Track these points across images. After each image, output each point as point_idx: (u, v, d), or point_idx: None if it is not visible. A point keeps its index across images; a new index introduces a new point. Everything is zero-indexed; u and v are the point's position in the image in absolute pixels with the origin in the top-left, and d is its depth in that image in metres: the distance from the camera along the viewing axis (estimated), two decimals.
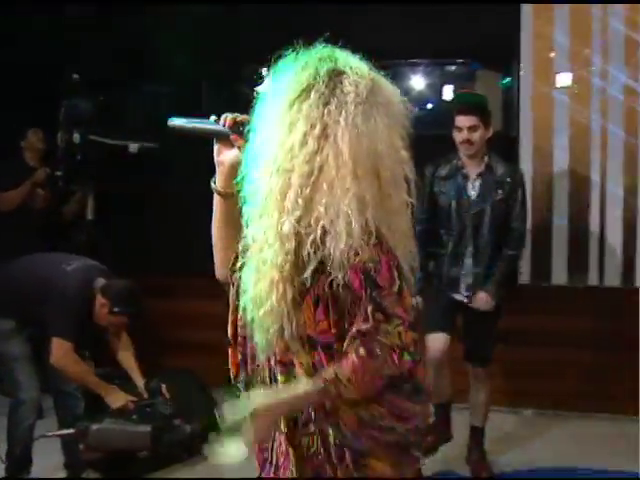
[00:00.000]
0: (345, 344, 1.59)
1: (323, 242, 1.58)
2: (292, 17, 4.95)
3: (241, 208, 1.68)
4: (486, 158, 3.87)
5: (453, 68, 5.41)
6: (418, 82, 5.46)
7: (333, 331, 1.61)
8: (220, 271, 1.84)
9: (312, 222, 1.59)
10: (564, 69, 4.90)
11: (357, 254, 1.57)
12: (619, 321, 4.73)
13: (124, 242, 5.35)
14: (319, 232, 1.58)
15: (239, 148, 1.74)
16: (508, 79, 5.22)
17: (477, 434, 4.08)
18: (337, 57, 1.67)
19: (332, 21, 5.10)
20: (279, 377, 1.68)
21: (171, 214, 5.45)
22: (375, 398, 1.64)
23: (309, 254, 1.59)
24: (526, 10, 4.91)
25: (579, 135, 4.88)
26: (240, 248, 1.72)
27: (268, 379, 1.71)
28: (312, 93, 1.62)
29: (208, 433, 4.07)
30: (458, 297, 3.93)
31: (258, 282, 1.63)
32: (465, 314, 3.96)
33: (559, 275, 4.95)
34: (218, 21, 5.34)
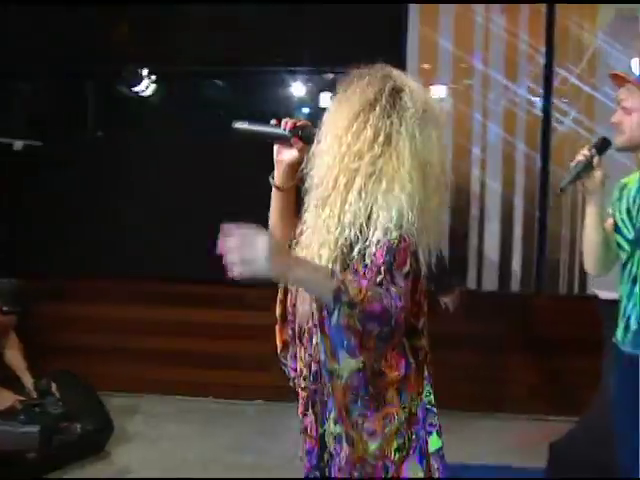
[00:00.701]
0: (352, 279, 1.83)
1: (368, 227, 1.88)
2: (177, 19, 5.04)
3: (296, 202, 2.05)
4: None
5: (332, 75, 5.58)
6: (299, 89, 5.64)
7: None
8: None
9: (365, 211, 1.89)
10: (447, 73, 5.14)
11: (386, 234, 1.86)
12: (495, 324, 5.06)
13: (12, 242, 5.27)
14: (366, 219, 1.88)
15: (297, 149, 2.07)
16: None
17: None
18: (396, 76, 1.99)
19: (214, 25, 5.36)
20: (315, 337, 1.95)
21: (59, 215, 5.40)
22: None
23: (358, 238, 1.89)
24: (412, 15, 5.13)
25: (461, 131, 5.13)
26: (297, 231, 2.02)
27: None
28: (377, 106, 1.92)
29: (99, 433, 4.13)
30: None
31: (315, 260, 1.92)
32: None
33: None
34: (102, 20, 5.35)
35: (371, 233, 1.87)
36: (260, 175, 5.54)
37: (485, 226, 5.19)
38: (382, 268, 1.83)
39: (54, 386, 4.00)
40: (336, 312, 1.77)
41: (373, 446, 1.93)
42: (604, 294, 4.15)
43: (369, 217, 1.88)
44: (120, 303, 5.41)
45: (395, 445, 1.94)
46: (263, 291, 5.35)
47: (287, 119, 2.09)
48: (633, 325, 2.65)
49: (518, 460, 4.35)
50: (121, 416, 4.53)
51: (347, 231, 1.89)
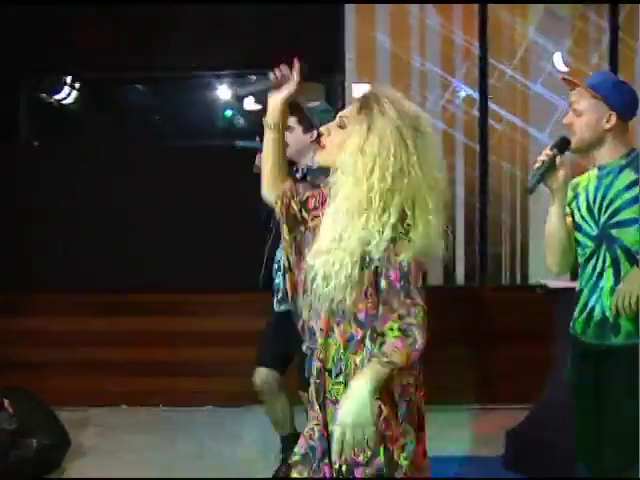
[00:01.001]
0: (388, 324, 2.09)
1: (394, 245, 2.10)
2: (100, 27, 4.97)
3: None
4: (310, 162, 3.77)
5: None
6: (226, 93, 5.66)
7: (373, 311, 2.13)
8: (268, 190, 2.40)
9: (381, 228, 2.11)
10: (386, 71, 5.22)
11: (397, 255, 2.09)
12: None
13: None
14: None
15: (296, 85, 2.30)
16: None
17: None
18: (409, 103, 2.21)
19: (140, 30, 5.32)
20: (319, 339, 2.21)
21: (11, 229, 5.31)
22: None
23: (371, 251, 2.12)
24: (349, 13, 5.19)
25: None
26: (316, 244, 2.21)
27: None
28: (405, 132, 2.12)
29: (55, 448, 4.03)
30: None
31: (330, 264, 2.13)
32: None
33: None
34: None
35: (384, 244, 2.10)
36: (196, 179, 5.47)
37: None
38: (400, 294, 2.08)
39: (7, 402, 3.90)
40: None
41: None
42: (553, 283, 4.30)
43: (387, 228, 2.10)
44: (63, 315, 5.33)
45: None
46: (209, 297, 5.41)
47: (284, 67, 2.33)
48: (597, 317, 2.73)
49: (473, 450, 4.45)
50: (73, 430, 4.42)
51: (369, 240, 2.11)
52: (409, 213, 2.11)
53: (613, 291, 2.68)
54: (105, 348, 5.32)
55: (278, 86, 2.30)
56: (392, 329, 2.07)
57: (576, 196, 2.85)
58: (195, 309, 5.36)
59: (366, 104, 2.17)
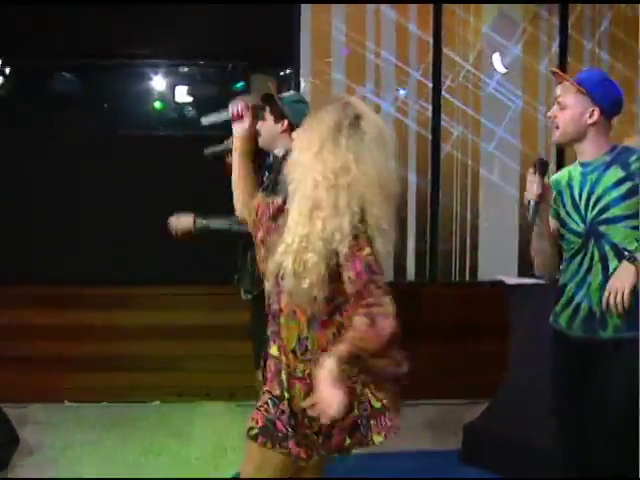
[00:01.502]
0: (358, 312, 2.22)
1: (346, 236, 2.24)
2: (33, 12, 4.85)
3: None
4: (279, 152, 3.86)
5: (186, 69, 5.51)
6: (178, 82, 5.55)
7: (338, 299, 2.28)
8: (242, 207, 2.88)
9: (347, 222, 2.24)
10: (341, 66, 5.21)
11: (361, 249, 2.22)
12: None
13: None
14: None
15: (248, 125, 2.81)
16: (241, 83, 5.41)
17: None
18: (356, 103, 2.38)
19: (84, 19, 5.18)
20: (281, 319, 2.36)
21: None
22: None
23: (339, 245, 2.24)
24: (305, 5, 5.17)
25: None
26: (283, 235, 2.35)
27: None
28: (343, 129, 2.28)
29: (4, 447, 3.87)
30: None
31: (299, 263, 2.26)
32: None
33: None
34: None
35: (347, 242, 2.22)
36: (138, 169, 5.21)
37: None
38: (369, 285, 2.20)
39: None
40: None
41: None
42: (510, 280, 4.36)
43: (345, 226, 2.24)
44: (2, 309, 5.14)
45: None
46: (158, 290, 5.26)
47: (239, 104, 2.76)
48: (584, 312, 2.78)
49: (428, 444, 4.47)
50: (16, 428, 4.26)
51: (332, 239, 2.23)
52: (358, 210, 2.24)
53: (602, 287, 2.73)
54: (46, 342, 5.14)
55: (236, 119, 2.80)
56: (361, 317, 2.19)
57: (560, 193, 2.88)
58: (141, 302, 5.24)
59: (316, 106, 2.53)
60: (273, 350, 2.38)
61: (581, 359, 2.81)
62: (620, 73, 5.33)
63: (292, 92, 3.98)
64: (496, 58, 5.29)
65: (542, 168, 2.79)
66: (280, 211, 2.58)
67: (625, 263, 2.68)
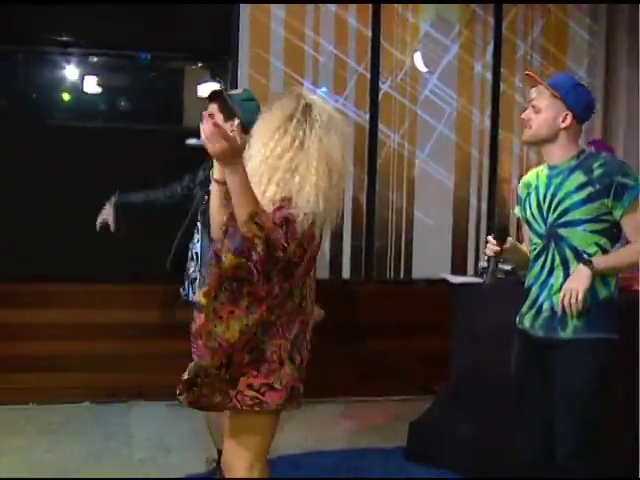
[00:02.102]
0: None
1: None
2: None
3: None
4: None
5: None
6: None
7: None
8: (216, 232, 2.65)
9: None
10: (280, 61, 5.15)
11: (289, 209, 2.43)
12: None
13: None
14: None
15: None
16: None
17: None
18: (307, 94, 2.60)
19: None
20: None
21: None
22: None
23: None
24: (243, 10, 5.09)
25: None
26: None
27: None
28: (294, 119, 2.50)
29: None
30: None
31: None
32: None
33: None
34: None
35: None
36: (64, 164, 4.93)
37: None
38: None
39: None
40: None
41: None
42: (454, 279, 4.43)
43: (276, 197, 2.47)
44: None
45: None
46: (74, 287, 5.06)
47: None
48: (545, 312, 2.87)
49: (371, 441, 4.46)
50: None
51: (271, 206, 2.45)
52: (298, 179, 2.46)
53: (562, 287, 2.80)
54: None
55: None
56: None
57: (528, 194, 2.97)
58: (67, 300, 5.05)
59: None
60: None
61: (542, 359, 2.90)
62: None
63: (241, 89, 3.93)
64: (417, 57, 5.35)
65: (501, 234, 2.96)
66: None
67: (580, 266, 2.77)
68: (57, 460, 4.04)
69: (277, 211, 2.41)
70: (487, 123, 5.50)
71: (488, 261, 2.95)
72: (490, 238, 2.96)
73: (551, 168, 2.91)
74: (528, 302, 2.96)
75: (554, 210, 2.85)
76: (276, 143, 2.49)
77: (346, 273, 5.35)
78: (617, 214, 2.77)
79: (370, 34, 5.28)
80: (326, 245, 5.28)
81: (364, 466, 4.09)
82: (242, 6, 5.09)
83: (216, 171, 2.65)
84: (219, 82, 4.97)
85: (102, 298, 5.07)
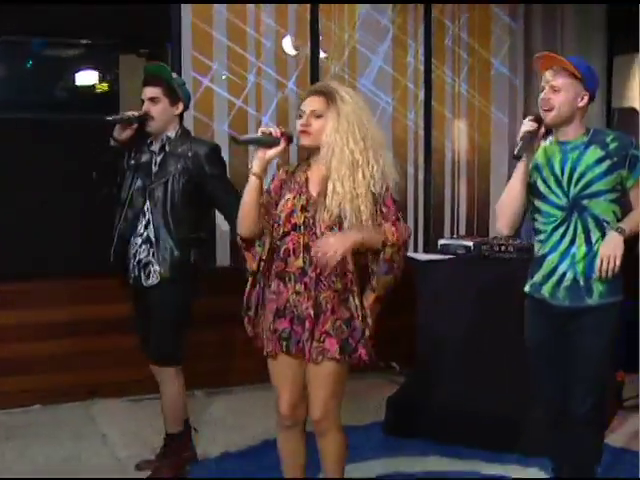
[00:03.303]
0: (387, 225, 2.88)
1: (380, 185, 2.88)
2: None
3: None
4: (171, 133, 3.71)
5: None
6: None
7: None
8: (249, 229, 2.91)
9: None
10: (222, 57, 5.17)
11: (388, 189, 2.89)
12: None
13: None
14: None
15: (282, 148, 2.86)
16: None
17: (167, 440, 3.84)
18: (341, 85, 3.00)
19: None
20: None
21: None
22: None
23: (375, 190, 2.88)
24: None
25: (237, 123, 5.21)
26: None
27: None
28: (355, 106, 2.88)
29: None
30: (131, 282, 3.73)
31: (354, 206, 2.83)
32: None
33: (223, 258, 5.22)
34: None
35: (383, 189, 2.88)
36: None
37: None
38: (396, 213, 2.89)
39: None
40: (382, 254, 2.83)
41: None
42: (421, 256, 4.59)
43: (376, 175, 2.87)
44: None
45: None
46: (15, 287, 4.87)
47: (275, 128, 2.86)
48: (568, 281, 3.03)
49: (348, 419, 4.46)
50: None
51: (374, 188, 2.85)
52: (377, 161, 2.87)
53: (586, 256, 2.99)
54: None
55: (272, 144, 2.82)
56: (388, 223, 2.91)
57: (537, 168, 3.09)
58: (11, 300, 4.82)
59: (331, 97, 2.85)
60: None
61: (564, 325, 3.06)
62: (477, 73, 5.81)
63: (175, 75, 3.91)
64: (287, 42, 5.37)
65: (539, 117, 2.99)
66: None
67: (613, 233, 2.95)
68: (34, 465, 3.91)
69: (392, 205, 2.88)
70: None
71: (523, 138, 2.98)
72: (529, 118, 3.01)
73: (563, 144, 3.04)
74: (544, 271, 3.09)
75: (576, 183, 3.00)
76: (356, 129, 2.82)
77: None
78: (629, 183, 2.99)
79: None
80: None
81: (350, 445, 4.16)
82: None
83: (255, 164, 2.80)
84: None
85: (40, 297, 4.88)
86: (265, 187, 2.94)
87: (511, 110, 5.89)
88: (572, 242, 3.03)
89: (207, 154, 3.66)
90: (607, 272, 2.93)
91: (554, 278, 3.07)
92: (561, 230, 3.05)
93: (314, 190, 2.91)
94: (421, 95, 5.68)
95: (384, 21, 5.54)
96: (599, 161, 2.99)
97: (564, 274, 3.04)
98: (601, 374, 3.10)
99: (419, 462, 3.96)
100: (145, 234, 3.64)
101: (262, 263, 2.95)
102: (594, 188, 2.99)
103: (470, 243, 4.44)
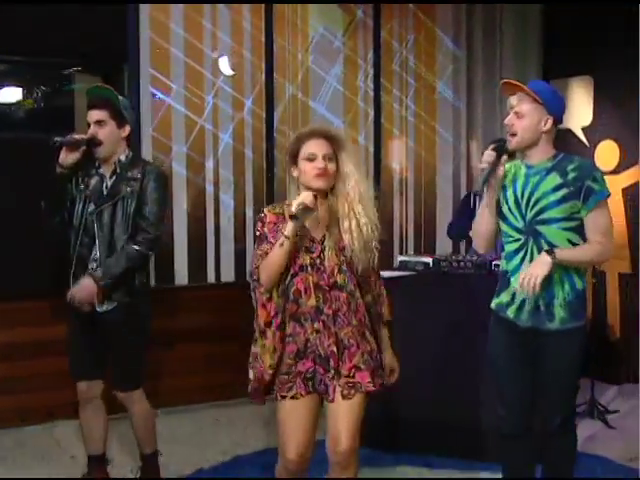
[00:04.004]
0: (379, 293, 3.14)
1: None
2: None
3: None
4: (122, 157, 3.68)
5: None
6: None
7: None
8: (271, 285, 2.91)
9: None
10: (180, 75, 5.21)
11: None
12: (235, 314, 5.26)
13: None
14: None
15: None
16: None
17: (145, 461, 3.82)
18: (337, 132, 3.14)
19: None
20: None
21: None
22: None
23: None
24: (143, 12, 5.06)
25: (195, 142, 5.26)
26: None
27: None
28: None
29: None
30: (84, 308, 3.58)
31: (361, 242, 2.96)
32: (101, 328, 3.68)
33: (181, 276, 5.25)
34: None
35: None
36: None
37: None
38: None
39: None
40: None
41: None
42: (386, 274, 4.71)
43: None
44: None
45: None
46: None
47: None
48: (530, 304, 3.08)
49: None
50: None
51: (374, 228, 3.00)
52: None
53: (544, 280, 2.97)
54: None
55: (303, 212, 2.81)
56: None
57: (504, 188, 3.14)
58: None
59: (340, 144, 2.97)
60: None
61: (526, 344, 3.13)
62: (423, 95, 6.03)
63: (121, 97, 3.83)
64: (222, 62, 5.40)
65: (501, 146, 3.04)
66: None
67: (543, 254, 2.98)
68: None
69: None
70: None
71: (484, 169, 3.04)
72: (490, 148, 3.06)
73: (529, 167, 3.10)
74: (509, 293, 3.14)
75: (532, 208, 3.05)
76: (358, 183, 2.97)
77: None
78: (583, 214, 3.02)
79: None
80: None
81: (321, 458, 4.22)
82: (141, 6, 5.04)
83: (289, 228, 2.81)
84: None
85: None
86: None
87: (455, 131, 6.12)
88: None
89: (155, 179, 3.63)
90: (526, 289, 2.96)
91: (517, 301, 3.13)
92: (521, 254, 3.11)
93: (316, 233, 2.95)
94: (371, 115, 5.84)
95: (337, 42, 5.68)
96: (556, 189, 3.03)
97: (525, 298, 3.09)
98: (567, 394, 3.18)
99: (391, 472, 4.09)
100: (100, 259, 3.57)
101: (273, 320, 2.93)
102: (546, 215, 3.04)
103: (429, 260, 4.60)
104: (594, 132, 5.96)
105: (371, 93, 5.83)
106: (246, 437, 4.71)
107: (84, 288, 3.48)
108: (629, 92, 5.60)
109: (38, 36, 4.77)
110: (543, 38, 6.33)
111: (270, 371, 2.89)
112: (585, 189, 2.99)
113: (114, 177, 3.63)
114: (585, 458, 4.20)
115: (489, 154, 3.05)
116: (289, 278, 2.90)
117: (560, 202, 3.02)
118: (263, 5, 5.43)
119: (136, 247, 3.54)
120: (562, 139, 5.99)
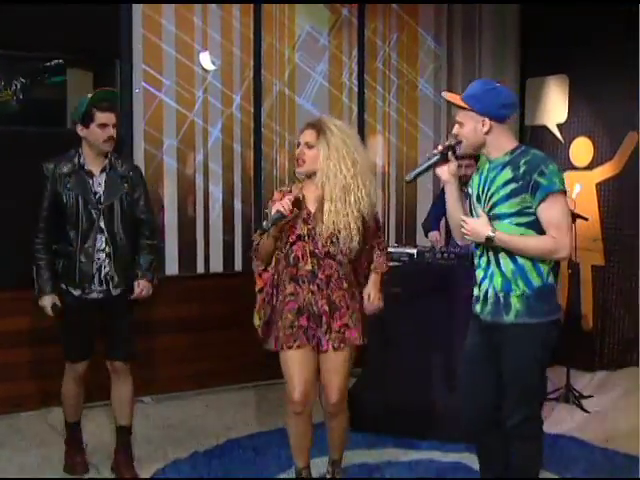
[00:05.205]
0: (376, 249, 3.67)
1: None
2: None
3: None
4: (109, 155, 3.90)
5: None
6: None
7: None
8: (265, 261, 3.55)
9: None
10: (171, 74, 5.31)
11: (373, 208, 3.54)
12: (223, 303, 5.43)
13: None
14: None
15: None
16: (60, 77, 5.32)
17: (124, 434, 4.04)
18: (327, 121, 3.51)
19: None
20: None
21: None
22: None
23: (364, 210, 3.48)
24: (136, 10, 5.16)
25: (186, 136, 5.39)
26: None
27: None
28: (347, 140, 3.45)
29: None
30: (92, 295, 3.87)
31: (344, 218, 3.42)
32: (102, 311, 3.94)
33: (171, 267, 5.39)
34: None
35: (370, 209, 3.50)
36: None
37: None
38: (380, 234, 3.72)
39: None
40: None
41: None
42: None
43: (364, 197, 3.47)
44: None
45: None
46: None
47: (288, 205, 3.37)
48: (491, 298, 3.10)
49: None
50: None
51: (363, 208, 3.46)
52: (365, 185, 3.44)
53: (501, 274, 3.06)
54: None
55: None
56: (382, 250, 3.75)
57: (472, 181, 3.21)
58: None
59: (322, 130, 3.38)
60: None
61: (490, 339, 3.13)
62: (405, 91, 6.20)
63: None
64: (204, 57, 5.48)
65: (454, 144, 3.10)
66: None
67: (486, 229, 3.02)
68: (6, 474, 3.96)
69: (378, 223, 3.66)
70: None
71: (430, 158, 3.14)
72: (440, 147, 3.14)
73: (490, 162, 3.11)
74: (477, 289, 3.19)
75: (486, 203, 3.08)
76: (348, 156, 3.38)
77: (238, 266, 5.62)
78: (533, 208, 2.98)
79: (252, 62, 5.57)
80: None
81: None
82: (135, 6, 5.15)
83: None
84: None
85: None
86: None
87: (436, 126, 6.31)
88: (489, 262, 3.12)
89: (140, 173, 4.07)
90: (459, 237, 3.19)
91: (481, 295, 3.16)
92: (481, 247, 3.15)
93: (312, 206, 3.49)
94: (355, 110, 5.99)
95: (322, 41, 5.84)
96: (505, 183, 3.02)
97: (487, 291, 3.13)
98: (526, 394, 3.11)
99: (377, 453, 4.27)
100: (106, 249, 3.86)
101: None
102: (497, 210, 3.04)
103: (414, 251, 4.78)
104: (569, 129, 6.16)
105: (355, 90, 5.98)
106: (236, 422, 4.87)
107: (148, 289, 4.00)
108: (603, 90, 5.83)
109: (35, 32, 4.86)
110: (521, 38, 6.54)
111: (259, 329, 3.57)
112: (533, 183, 2.96)
113: (104, 173, 3.85)
114: (562, 440, 4.44)
115: (439, 150, 3.14)
116: (288, 246, 3.45)
117: (509, 197, 3.01)
118: (252, 5, 5.56)
119: (154, 242, 4.08)
120: (538, 135, 6.34)
